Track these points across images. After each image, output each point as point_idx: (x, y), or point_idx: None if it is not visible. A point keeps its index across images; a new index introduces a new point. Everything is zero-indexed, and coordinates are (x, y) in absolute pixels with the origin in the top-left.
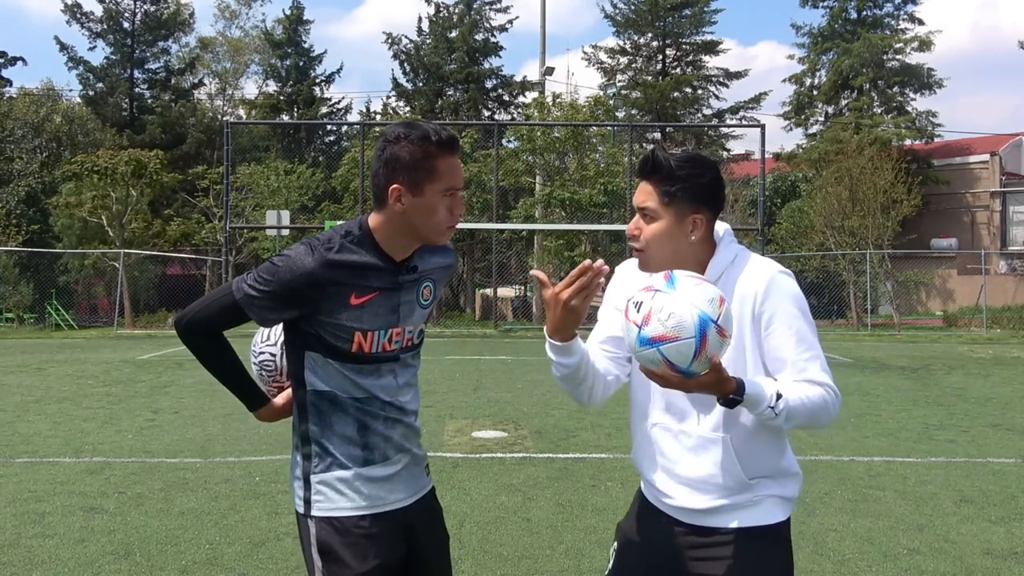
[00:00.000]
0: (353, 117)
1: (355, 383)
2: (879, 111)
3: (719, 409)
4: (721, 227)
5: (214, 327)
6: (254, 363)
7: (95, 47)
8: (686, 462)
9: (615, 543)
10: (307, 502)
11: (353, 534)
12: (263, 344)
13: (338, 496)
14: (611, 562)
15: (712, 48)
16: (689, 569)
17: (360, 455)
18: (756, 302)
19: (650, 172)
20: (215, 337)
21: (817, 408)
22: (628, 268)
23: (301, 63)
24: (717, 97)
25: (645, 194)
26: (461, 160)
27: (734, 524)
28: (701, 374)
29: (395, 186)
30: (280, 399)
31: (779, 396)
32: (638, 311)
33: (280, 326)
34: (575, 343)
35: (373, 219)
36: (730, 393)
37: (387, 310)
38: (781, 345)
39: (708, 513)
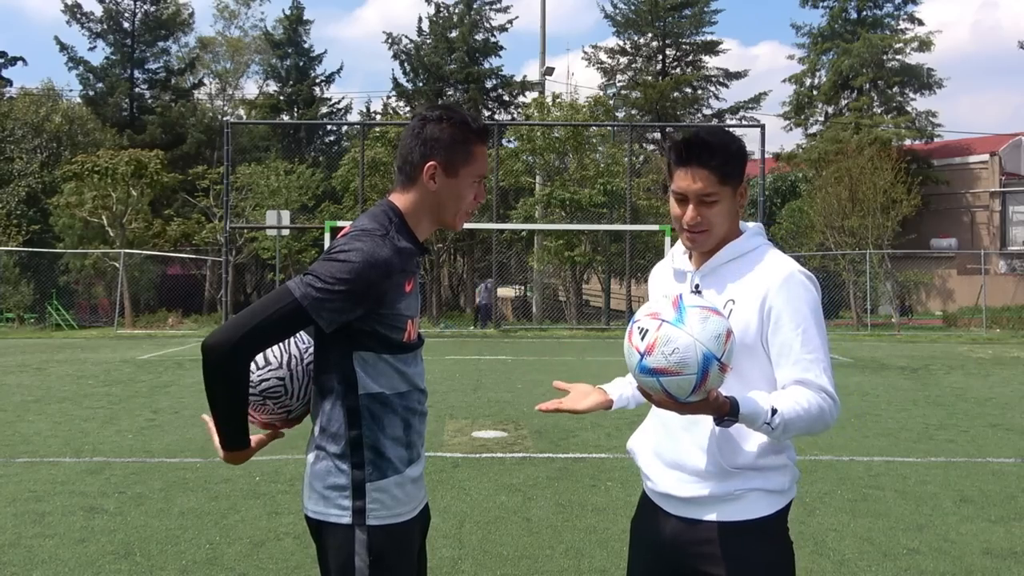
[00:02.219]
0: (353, 117)
1: (403, 375)
2: (879, 111)
3: None
4: (754, 224)
5: (267, 343)
6: (253, 392)
7: (95, 47)
8: (675, 439)
9: (630, 538)
10: (359, 512)
11: (405, 538)
12: (265, 371)
13: (394, 502)
14: (628, 557)
15: (712, 48)
16: (679, 560)
17: (406, 456)
18: (770, 295)
19: (705, 159)
20: (250, 361)
21: (814, 418)
22: (656, 272)
23: (301, 63)
24: (717, 97)
25: (703, 180)
26: None
27: (715, 517)
28: (695, 401)
29: (431, 163)
30: (254, 441)
31: (774, 411)
32: (642, 338)
33: (279, 348)
34: (615, 402)
35: (401, 200)
36: (725, 415)
37: (416, 294)
38: (787, 341)
39: (691, 503)
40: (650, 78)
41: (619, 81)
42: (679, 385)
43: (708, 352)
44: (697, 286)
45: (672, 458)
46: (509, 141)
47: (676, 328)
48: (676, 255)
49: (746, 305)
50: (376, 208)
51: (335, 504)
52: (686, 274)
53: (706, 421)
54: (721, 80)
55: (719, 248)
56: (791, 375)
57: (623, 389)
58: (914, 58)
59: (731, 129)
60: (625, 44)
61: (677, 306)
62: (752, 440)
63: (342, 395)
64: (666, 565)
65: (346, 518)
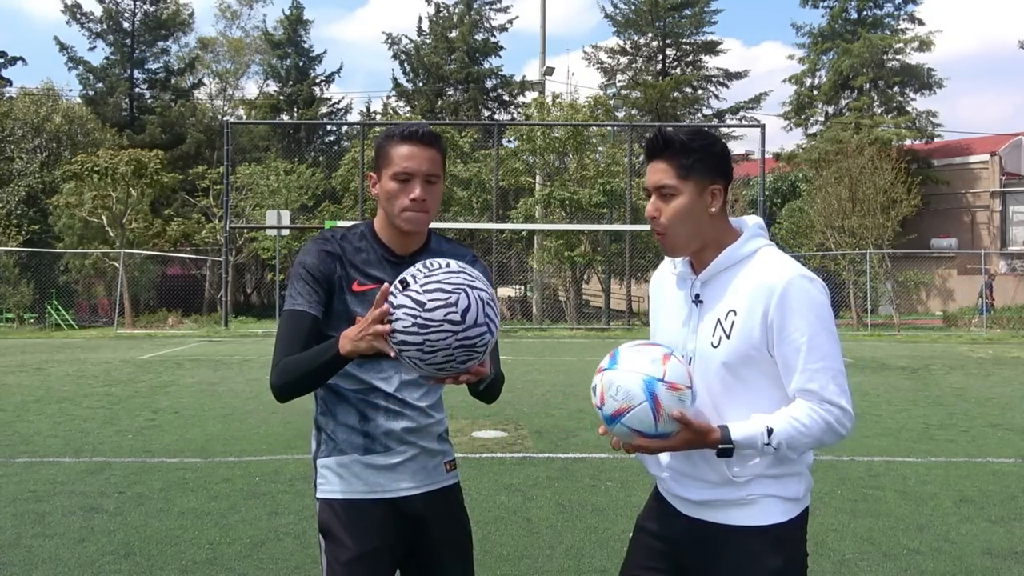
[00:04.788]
0: (353, 117)
1: (353, 376)
2: (879, 111)
3: (716, 412)
4: (753, 219)
5: (296, 351)
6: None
7: (95, 47)
8: (684, 455)
9: (632, 533)
10: (315, 484)
11: (350, 516)
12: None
13: (337, 479)
14: (627, 550)
15: (712, 48)
16: (684, 559)
17: (361, 443)
18: (772, 303)
19: (663, 149)
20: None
21: (820, 431)
22: (658, 275)
23: (301, 63)
24: (717, 97)
25: (660, 172)
26: (435, 152)
27: (727, 521)
28: (673, 433)
29: (370, 174)
30: (352, 330)
31: (770, 431)
32: (596, 395)
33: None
34: None
35: (377, 215)
36: (717, 444)
37: (375, 301)
38: (791, 352)
39: (703, 506)
40: (650, 78)
41: (619, 81)
42: (639, 419)
43: (647, 377)
44: (698, 295)
45: (682, 468)
46: (509, 141)
47: (612, 370)
48: (677, 260)
49: (748, 316)
50: None
51: (312, 477)
52: (687, 281)
53: None
54: (721, 80)
55: (710, 251)
56: (797, 386)
57: None
58: (914, 58)
59: (731, 129)
60: (625, 44)
61: (612, 355)
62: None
63: None
64: (670, 562)
65: (313, 490)
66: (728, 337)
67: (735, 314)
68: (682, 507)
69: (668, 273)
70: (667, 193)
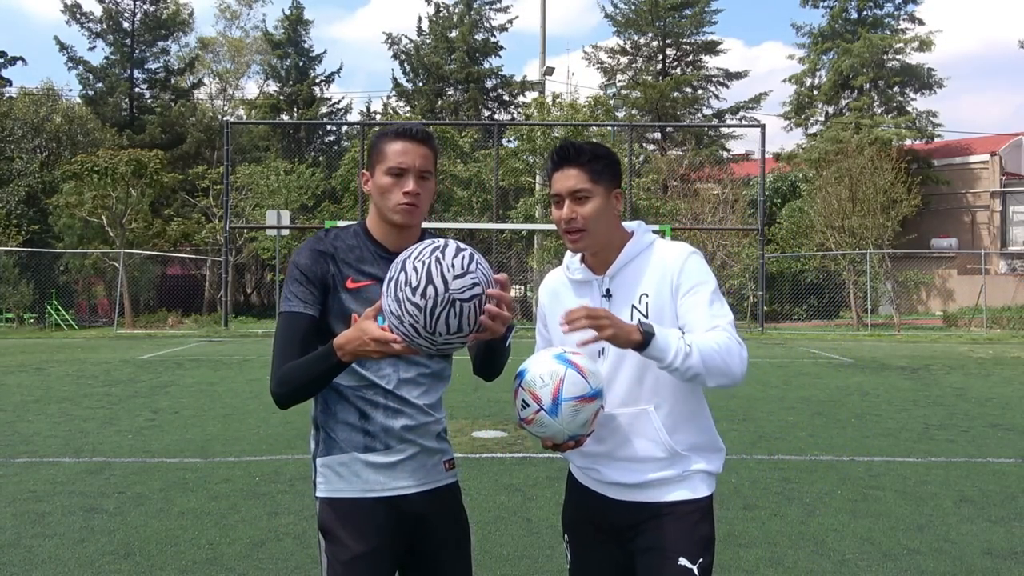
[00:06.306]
0: (353, 117)
1: (352, 372)
2: (879, 111)
3: (642, 387)
4: (636, 222)
5: (293, 356)
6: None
7: (95, 47)
8: (617, 439)
9: (565, 536)
10: (314, 483)
11: (349, 515)
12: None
13: (337, 478)
14: (569, 555)
15: (712, 48)
16: (632, 544)
17: (361, 441)
18: (675, 275)
19: (574, 158)
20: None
21: (724, 349)
22: (548, 286)
23: (301, 63)
24: (717, 97)
25: (574, 178)
26: (427, 149)
27: (664, 499)
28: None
29: (363, 172)
30: (352, 342)
31: (682, 331)
32: (528, 406)
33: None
34: None
35: (369, 213)
36: (638, 330)
37: (371, 297)
38: (696, 307)
39: (641, 488)
40: (650, 78)
41: (619, 81)
42: (573, 383)
43: (555, 353)
44: (608, 290)
45: (618, 452)
46: (509, 141)
47: (528, 374)
48: (572, 267)
49: (658, 293)
50: None
51: (312, 476)
52: (591, 283)
53: (645, 416)
54: (721, 80)
55: (612, 251)
56: (702, 328)
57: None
58: (914, 58)
59: (731, 129)
60: (625, 44)
61: (517, 373)
62: (693, 420)
63: None
64: (617, 550)
65: (313, 489)
66: (646, 316)
67: (647, 296)
68: (617, 493)
69: (560, 282)
70: (582, 196)
